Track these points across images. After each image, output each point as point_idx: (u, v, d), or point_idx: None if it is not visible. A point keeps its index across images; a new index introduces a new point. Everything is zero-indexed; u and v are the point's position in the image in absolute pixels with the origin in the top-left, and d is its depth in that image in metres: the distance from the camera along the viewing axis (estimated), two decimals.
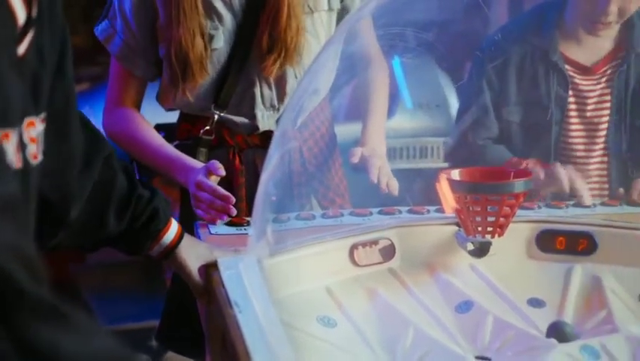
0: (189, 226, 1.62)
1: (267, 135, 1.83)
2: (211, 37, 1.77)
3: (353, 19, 1.74)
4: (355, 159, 1.72)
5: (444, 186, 1.53)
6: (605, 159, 1.97)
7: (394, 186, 1.70)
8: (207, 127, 1.84)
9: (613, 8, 1.83)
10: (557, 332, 1.37)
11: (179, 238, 1.42)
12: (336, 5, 1.86)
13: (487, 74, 1.98)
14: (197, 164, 1.73)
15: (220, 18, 1.78)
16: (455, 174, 1.55)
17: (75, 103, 1.11)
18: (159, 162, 1.77)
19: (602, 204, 1.82)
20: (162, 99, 1.87)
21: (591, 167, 1.98)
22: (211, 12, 1.77)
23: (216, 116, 1.83)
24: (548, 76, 1.94)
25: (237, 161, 1.85)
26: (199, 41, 1.74)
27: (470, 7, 1.92)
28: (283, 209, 1.65)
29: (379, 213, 1.73)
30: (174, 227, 1.41)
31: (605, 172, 1.97)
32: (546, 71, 1.94)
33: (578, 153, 1.98)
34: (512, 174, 1.55)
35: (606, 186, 1.98)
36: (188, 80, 1.77)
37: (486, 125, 2.00)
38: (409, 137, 3.00)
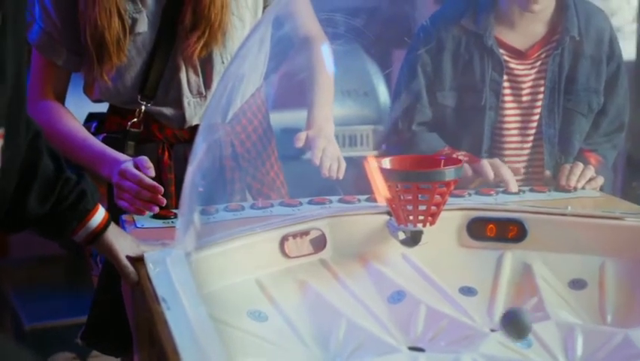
0: (115, 222, 1.57)
1: (197, 130, 1.78)
2: (134, 21, 1.72)
3: (282, 1, 1.70)
4: (300, 144, 1.68)
5: (375, 174, 1.51)
6: (540, 143, 1.97)
7: (337, 170, 1.66)
8: (135, 119, 1.78)
9: None
10: (513, 322, 1.32)
11: (106, 223, 1.37)
12: None
13: (422, 59, 1.97)
14: (123, 157, 1.68)
15: (143, 1, 1.73)
16: (386, 162, 1.53)
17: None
18: (83, 156, 1.71)
19: (531, 190, 1.83)
20: (86, 88, 1.81)
21: (526, 152, 1.98)
22: None
23: (143, 107, 1.78)
24: (483, 60, 1.94)
25: (167, 156, 1.80)
26: (116, 21, 1.69)
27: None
28: (213, 202, 1.62)
29: (310, 203, 1.70)
30: (101, 212, 1.37)
31: (540, 157, 1.98)
32: (481, 56, 1.94)
33: (513, 138, 1.98)
34: (443, 161, 1.54)
35: (541, 170, 1.98)
36: (104, 62, 1.70)
37: (420, 110, 1.99)
38: (337, 125, 2.98)
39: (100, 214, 1.37)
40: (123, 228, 1.58)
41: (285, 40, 1.78)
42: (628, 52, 3.41)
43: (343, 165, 1.68)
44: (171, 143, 1.81)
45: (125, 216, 1.63)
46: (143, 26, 1.73)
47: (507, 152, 1.98)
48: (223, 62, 1.77)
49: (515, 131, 1.98)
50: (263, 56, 1.79)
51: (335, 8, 1.65)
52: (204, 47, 1.73)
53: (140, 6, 1.73)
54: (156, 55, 1.75)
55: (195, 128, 1.79)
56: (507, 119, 1.97)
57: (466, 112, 1.97)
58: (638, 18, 3.33)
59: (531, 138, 1.98)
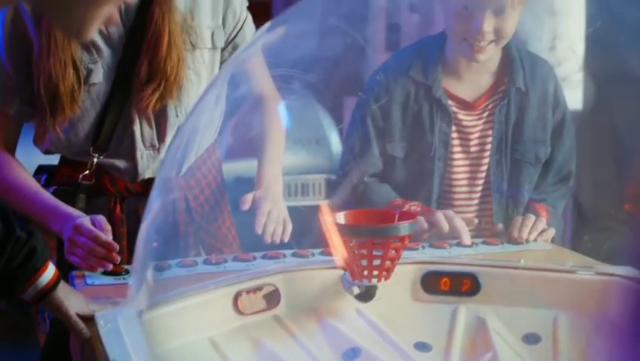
0: (65, 277, 1.54)
1: (150, 183, 1.77)
2: (89, 72, 1.71)
3: (239, 58, 1.70)
4: (246, 206, 1.68)
5: (329, 229, 1.50)
6: (489, 193, 1.99)
7: (280, 233, 1.66)
8: (86, 172, 1.76)
9: (487, 27, 1.83)
10: None
11: (55, 281, 1.35)
12: (220, 43, 1.81)
13: (371, 111, 1.98)
14: (76, 212, 1.65)
15: (99, 51, 1.72)
16: (340, 217, 1.53)
17: None
18: (35, 210, 1.67)
19: (484, 243, 1.83)
20: (37, 139, 1.78)
21: (475, 202, 1.99)
22: (89, 45, 1.71)
23: (95, 159, 1.76)
24: (432, 112, 1.95)
25: (118, 209, 1.78)
26: (70, 73, 1.67)
27: (351, 45, 1.91)
28: (166, 257, 1.60)
29: (263, 257, 1.69)
30: (51, 269, 1.35)
31: (489, 206, 1.99)
32: (430, 107, 1.95)
33: (463, 188, 1.99)
34: (397, 216, 1.54)
35: (490, 220, 1.99)
36: (57, 113, 1.69)
37: (370, 162, 2.00)
38: (289, 174, 2.98)
39: (49, 272, 1.34)
40: (73, 284, 1.55)
41: (240, 98, 1.78)
42: (575, 101, 3.48)
43: (289, 227, 1.68)
44: (123, 196, 1.79)
45: (75, 273, 1.60)
46: (98, 77, 1.72)
47: (456, 202, 1.98)
48: (177, 116, 1.76)
49: (464, 182, 1.99)
50: (218, 112, 1.78)
51: (289, 62, 1.66)
52: (159, 99, 1.72)
53: (96, 56, 1.71)
54: (110, 106, 1.73)
55: (148, 181, 1.77)
56: (456, 169, 1.98)
57: (415, 163, 1.98)
58: (584, 68, 3.40)
59: (480, 188, 1.99)
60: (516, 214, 1.95)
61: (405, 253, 1.58)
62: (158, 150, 1.77)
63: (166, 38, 1.70)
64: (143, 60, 1.71)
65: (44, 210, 1.67)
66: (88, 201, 1.75)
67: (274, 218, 1.66)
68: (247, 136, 1.86)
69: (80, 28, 0.90)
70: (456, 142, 1.97)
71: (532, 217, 1.87)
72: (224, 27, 1.81)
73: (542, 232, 1.86)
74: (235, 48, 1.82)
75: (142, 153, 1.77)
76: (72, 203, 1.71)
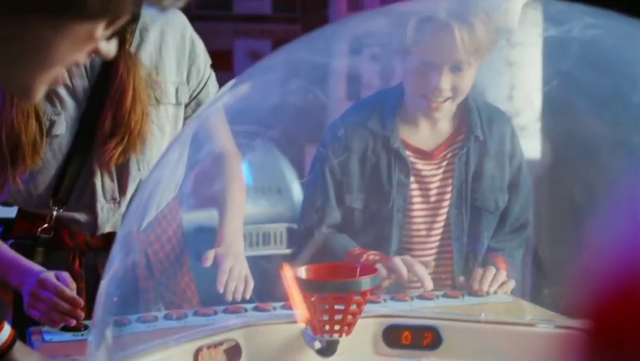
0: (22, 333, 1.52)
1: (109, 237, 1.76)
2: (52, 123, 1.70)
3: (202, 115, 1.71)
4: (208, 263, 1.68)
5: (290, 284, 1.50)
6: (449, 242, 2.00)
7: (242, 291, 1.66)
8: (45, 225, 1.75)
9: (445, 84, 1.86)
10: None
11: (11, 342, 1.33)
12: (184, 99, 1.82)
13: (330, 162, 1.99)
14: (35, 267, 1.64)
15: (62, 104, 1.71)
16: (301, 271, 1.53)
17: None
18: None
19: (445, 295, 1.84)
20: None
21: (435, 251, 2.00)
22: (52, 96, 1.70)
23: (55, 212, 1.74)
24: (390, 163, 1.97)
25: (77, 264, 1.76)
26: (33, 124, 1.66)
27: (312, 97, 1.93)
28: (127, 312, 1.58)
29: (224, 312, 1.68)
30: (7, 330, 1.33)
31: (449, 255, 2.00)
32: (388, 158, 1.96)
33: (422, 238, 2.00)
34: (359, 270, 1.54)
35: (450, 269, 2.00)
36: (18, 165, 1.67)
37: (329, 213, 2.00)
38: (251, 223, 2.98)
39: (5, 333, 1.32)
40: (30, 340, 1.53)
41: (202, 155, 1.78)
42: (533, 150, 3.53)
43: (250, 284, 1.69)
44: (82, 250, 1.78)
45: (32, 329, 1.58)
46: (60, 129, 1.71)
47: (416, 252, 1.99)
48: (139, 170, 1.76)
49: (424, 232, 2.00)
50: (180, 168, 1.78)
51: (251, 119, 1.66)
52: (122, 153, 1.71)
53: (59, 108, 1.71)
54: (72, 159, 1.72)
55: (107, 235, 1.76)
56: (415, 219, 1.99)
57: (374, 214, 1.99)
58: (542, 117, 3.45)
59: (439, 237, 2.00)
60: (475, 264, 1.96)
61: (366, 306, 1.59)
62: (119, 203, 1.76)
63: (130, 92, 1.70)
64: (107, 113, 1.71)
65: (3, 263, 1.65)
66: (46, 255, 1.74)
67: (235, 275, 1.66)
68: (208, 190, 1.86)
69: (27, 91, 0.90)
70: (415, 192, 1.98)
71: (493, 269, 1.89)
72: (188, 83, 1.83)
73: (502, 284, 1.88)
74: (199, 105, 1.84)
75: (102, 206, 1.76)
76: (30, 257, 1.70)
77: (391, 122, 1.96)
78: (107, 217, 1.76)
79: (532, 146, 3.51)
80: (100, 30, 0.87)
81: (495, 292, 1.87)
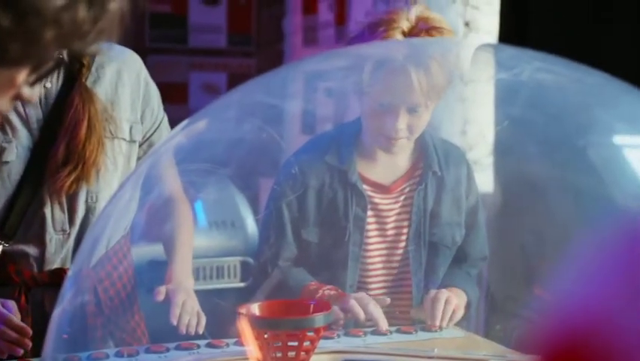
0: None
1: (57, 273, 1.73)
2: (1, 150, 1.68)
3: (154, 155, 1.71)
4: (160, 297, 1.67)
5: (243, 321, 1.49)
6: (407, 276, 1.99)
7: (195, 325, 1.65)
8: None
9: (401, 125, 1.87)
10: None
11: None
12: (138, 137, 1.83)
13: (286, 196, 1.99)
14: None
15: (14, 131, 1.70)
16: (254, 308, 1.52)
17: None
18: None
19: (399, 331, 1.84)
20: None
21: (392, 286, 2.00)
22: (4, 124, 1.69)
23: (1, 247, 1.72)
24: (347, 197, 1.96)
25: (23, 300, 1.73)
26: None
27: (266, 135, 1.93)
28: (76, 350, 1.56)
29: (176, 348, 1.66)
30: None
31: (407, 290, 1.99)
32: (345, 192, 1.96)
33: (379, 272, 1.99)
34: (312, 307, 1.54)
35: (409, 303, 2.00)
36: None
37: (285, 247, 1.99)
38: (204, 256, 2.96)
39: None
40: None
41: (153, 196, 1.78)
42: (486, 185, 3.56)
43: (203, 319, 1.68)
44: (29, 286, 1.75)
45: None
46: (10, 156, 1.69)
47: (373, 285, 1.99)
48: (88, 201, 1.75)
49: (380, 265, 2.00)
50: (132, 206, 1.77)
51: (205, 157, 1.67)
52: (75, 181, 1.71)
53: (11, 136, 1.70)
54: (23, 188, 1.70)
55: (55, 271, 1.74)
56: (372, 253, 1.99)
57: (330, 248, 1.98)
58: (494, 152, 3.50)
59: (396, 271, 2.00)
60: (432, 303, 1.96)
61: (320, 342, 1.58)
62: (69, 235, 1.75)
63: (85, 123, 1.71)
64: (60, 143, 1.70)
65: None
66: None
67: (188, 309, 1.65)
68: (159, 230, 1.86)
69: None
70: (372, 226, 1.98)
71: (445, 292, 1.90)
72: (142, 124, 1.84)
73: (455, 311, 1.88)
74: (151, 146, 1.85)
75: (51, 237, 1.74)
76: None
77: (349, 156, 1.97)
78: (55, 249, 1.74)
79: (484, 179, 3.55)
80: (22, 76, 0.86)
81: (447, 327, 1.87)
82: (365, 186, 1.97)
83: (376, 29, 1.88)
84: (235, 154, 1.81)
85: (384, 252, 2.00)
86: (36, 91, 0.92)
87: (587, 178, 1.38)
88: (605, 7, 3.62)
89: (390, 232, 2.00)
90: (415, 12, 1.89)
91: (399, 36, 1.86)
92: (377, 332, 1.82)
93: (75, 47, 0.88)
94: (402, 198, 2.00)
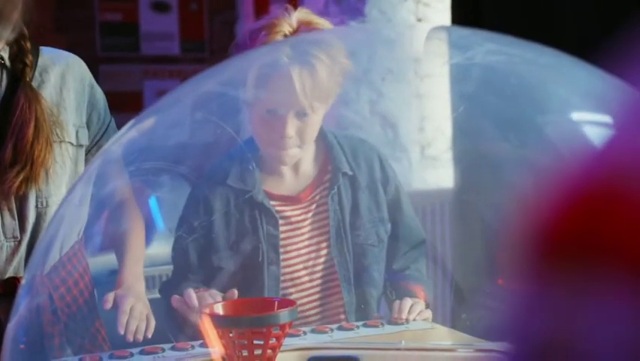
0: None
1: (10, 283, 1.70)
2: None
3: (103, 157, 1.68)
4: (108, 305, 1.65)
5: (206, 321, 1.47)
6: (336, 283, 1.92)
7: (143, 330, 1.62)
8: None
9: (290, 131, 1.82)
10: None
11: None
12: (84, 141, 1.81)
13: (192, 228, 1.91)
14: None
15: None
16: (218, 307, 1.50)
17: None
18: None
19: (365, 325, 1.83)
20: None
21: (322, 297, 1.93)
22: None
23: None
24: (255, 216, 1.89)
25: None
26: None
27: (221, 134, 1.90)
28: (35, 360, 1.53)
29: (141, 353, 1.63)
30: None
31: (338, 298, 1.92)
32: (252, 212, 1.89)
33: (305, 285, 1.93)
34: (276, 304, 1.52)
35: (341, 311, 1.92)
36: None
37: (192, 275, 1.91)
38: (163, 265, 2.91)
39: None
40: None
41: (104, 198, 1.75)
42: (445, 180, 3.58)
43: (152, 323, 1.65)
44: None
45: None
46: None
47: (301, 300, 1.90)
48: (38, 207, 1.72)
49: (306, 278, 1.93)
50: (83, 210, 1.74)
51: (159, 155, 1.64)
52: (23, 182, 1.68)
53: None
54: None
55: (8, 280, 1.71)
56: (293, 268, 1.92)
57: (247, 270, 1.89)
58: (452, 147, 3.51)
59: (322, 280, 1.93)
60: (370, 297, 1.92)
61: (287, 340, 1.56)
62: (20, 242, 1.72)
63: (32, 122, 1.69)
64: (7, 144, 1.68)
65: None
66: None
67: (136, 315, 1.63)
68: (111, 233, 1.83)
69: None
70: (288, 241, 1.91)
71: (409, 300, 1.87)
72: (89, 129, 1.83)
73: (420, 312, 1.86)
74: (99, 150, 1.82)
75: (2, 244, 1.71)
76: None
77: (251, 175, 1.90)
78: (7, 257, 1.71)
79: (444, 175, 3.56)
80: None
81: (414, 320, 1.86)
82: (273, 202, 1.90)
83: (258, 34, 1.83)
84: (189, 154, 1.78)
85: (306, 264, 1.92)
86: None
87: (546, 156, 1.37)
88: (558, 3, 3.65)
89: (308, 242, 1.92)
90: (297, 16, 1.84)
91: (280, 38, 1.81)
92: (343, 328, 1.81)
93: None
94: (313, 206, 1.93)
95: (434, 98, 3.41)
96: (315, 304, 1.93)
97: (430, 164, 3.55)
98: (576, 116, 1.32)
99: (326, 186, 1.94)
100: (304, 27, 1.83)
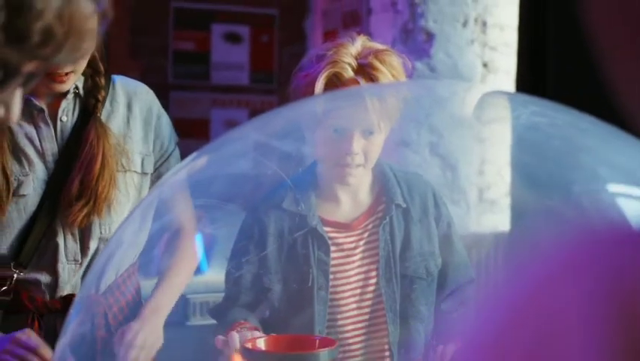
0: None
1: (68, 300, 1.76)
2: (19, 184, 1.72)
3: (166, 184, 1.73)
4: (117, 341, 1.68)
5: (248, 356, 1.50)
6: (382, 313, 1.92)
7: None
8: (5, 287, 1.75)
9: (356, 148, 1.84)
10: None
11: None
12: (150, 169, 1.86)
13: (246, 249, 1.95)
14: None
15: (31, 165, 1.74)
16: (260, 342, 1.54)
17: None
18: None
19: None
20: None
21: (366, 324, 1.92)
22: (21, 157, 1.74)
23: (15, 275, 1.75)
24: (307, 241, 1.91)
25: (36, 326, 1.76)
26: (0, 181, 1.69)
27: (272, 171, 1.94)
28: None
29: None
30: None
31: (383, 328, 1.92)
32: (305, 237, 1.90)
33: (352, 313, 1.93)
34: (318, 342, 1.55)
35: (385, 341, 1.92)
36: None
37: (242, 299, 1.94)
38: (219, 291, 2.96)
39: None
40: None
41: (162, 225, 1.80)
42: (503, 224, 3.57)
43: (152, 352, 1.69)
44: (41, 313, 1.78)
45: None
46: (27, 189, 1.73)
47: (346, 327, 1.92)
48: (101, 233, 1.78)
49: (352, 305, 1.93)
50: (142, 236, 1.80)
51: (213, 192, 1.68)
52: (87, 216, 1.74)
53: (27, 169, 1.74)
54: (37, 219, 1.74)
55: (67, 297, 1.77)
56: (341, 295, 1.92)
57: (296, 294, 1.90)
58: (511, 192, 3.50)
59: (370, 309, 1.93)
60: (415, 331, 1.93)
61: None
62: (81, 264, 1.78)
63: (99, 159, 1.74)
64: (74, 177, 1.74)
65: None
66: (4, 317, 1.74)
67: (138, 344, 1.66)
68: (162, 262, 1.88)
69: None
70: (338, 268, 1.93)
71: (452, 346, 1.86)
72: (153, 155, 1.88)
73: None
74: (159, 177, 1.88)
75: (64, 266, 1.77)
76: None
77: (307, 200, 1.92)
78: (68, 278, 1.78)
79: (502, 219, 3.55)
80: None
81: None
82: (326, 228, 1.92)
83: (324, 55, 1.86)
84: (241, 189, 1.82)
85: (354, 291, 1.93)
86: (16, 110, 0.90)
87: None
88: None
89: (358, 270, 1.93)
90: (360, 41, 1.88)
91: (348, 58, 1.84)
92: None
93: (22, 52, 0.84)
94: (366, 234, 1.94)
95: (495, 143, 3.41)
96: (360, 331, 1.94)
97: (487, 208, 3.54)
98: (608, 187, 1.32)
99: (379, 216, 1.95)
100: (368, 49, 1.88)
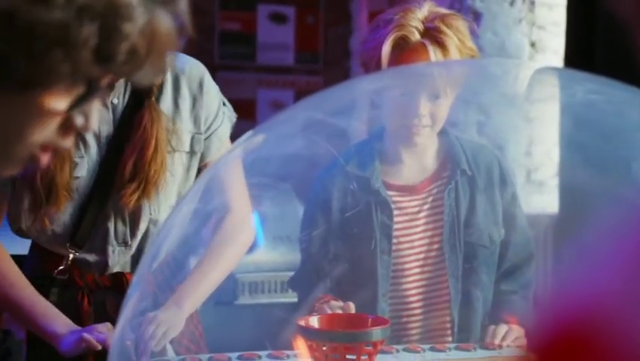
0: None
1: (118, 277, 1.79)
2: (75, 165, 1.75)
3: (219, 164, 1.74)
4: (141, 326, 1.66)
5: (301, 333, 1.52)
6: (444, 278, 1.94)
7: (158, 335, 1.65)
8: (62, 267, 1.79)
9: (424, 110, 1.86)
10: None
11: None
12: (199, 149, 1.85)
13: (315, 213, 1.97)
14: (64, 318, 1.70)
15: (86, 147, 1.76)
16: (313, 321, 1.55)
17: None
18: (27, 309, 1.71)
19: (457, 348, 1.84)
20: (13, 221, 1.80)
21: (428, 289, 1.95)
22: (78, 140, 1.75)
23: (71, 255, 1.78)
24: (370, 204, 1.93)
25: (86, 302, 1.80)
26: (67, 166, 1.72)
27: (327, 150, 1.94)
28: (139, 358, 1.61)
29: (238, 358, 1.70)
30: None
31: (445, 292, 1.94)
32: (368, 200, 1.93)
33: (414, 277, 1.95)
34: (370, 320, 1.56)
35: (447, 306, 1.94)
36: (51, 205, 1.72)
37: (311, 268, 1.96)
38: (269, 271, 3.00)
39: None
40: None
41: (210, 208, 1.81)
42: (551, 206, 3.55)
43: (170, 333, 1.67)
44: (91, 289, 1.81)
45: None
46: (82, 171, 1.75)
47: (409, 292, 1.94)
48: (151, 214, 1.79)
49: (415, 270, 1.95)
50: (194, 216, 1.81)
51: (268, 171, 1.69)
52: (138, 199, 1.76)
53: (83, 152, 1.76)
54: (90, 201, 1.76)
55: (115, 275, 1.80)
56: (404, 259, 1.94)
57: (360, 258, 1.92)
58: (560, 173, 3.47)
59: (432, 275, 1.95)
60: (475, 299, 1.93)
61: (378, 357, 1.60)
62: (130, 245, 1.81)
63: (153, 143, 1.75)
64: (128, 160, 1.75)
65: (32, 309, 1.70)
66: (60, 294, 1.78)
67: (157, 322, 1.65)
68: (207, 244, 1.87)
69: None
70: (402, 232, 1.94)
71: (505, 326, 1.87)
72: (202, 132, 1.87)
73: (516, 339, 1.86)
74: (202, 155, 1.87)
75: (114, 248, 1.80)
76: (44, 295, 1.74)
77: (371, 163, 1.94)
78: (118, 259, 1.81)
79: (550, 200, 3.53)
80: (55, 102, 0.85)
81: (508, 346, 1.86)
82: (390, 192, 1.93)
83: (392, 19, 1.88)
84: (294, 169, 1.83)
85: (417, 256, 1.94)
86: (94, 119, 0.91)
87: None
88: None
89: (422, 235, 1.95)
90: (426, 5, 1.89)
91: (415, 22, 1.85)
92: (435, 349, 1.83)
93: (108, 70, 0.85)
94: (430, 199, 1.95)
95: (543, 124, 3.39)
96: (422, 296, 1.95)
97: (535, 189, 3.52)
98: None
99: (444, 182, 1.96)
100: (434, 14, 1.88)
